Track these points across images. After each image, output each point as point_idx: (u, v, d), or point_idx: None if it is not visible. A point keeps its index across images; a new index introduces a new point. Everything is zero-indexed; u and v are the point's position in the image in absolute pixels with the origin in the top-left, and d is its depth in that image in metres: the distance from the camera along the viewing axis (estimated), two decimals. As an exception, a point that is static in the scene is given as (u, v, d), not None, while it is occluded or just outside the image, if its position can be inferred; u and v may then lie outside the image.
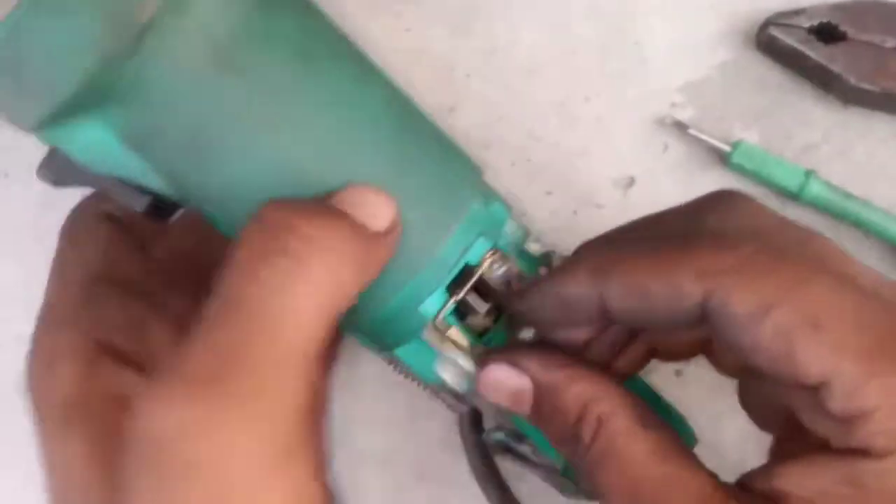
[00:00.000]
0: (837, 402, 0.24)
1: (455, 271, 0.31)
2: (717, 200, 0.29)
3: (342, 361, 0.39)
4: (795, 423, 0.27)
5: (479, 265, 0.32)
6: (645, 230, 0.30)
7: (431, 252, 0.31)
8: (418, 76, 0.43)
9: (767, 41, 0.42)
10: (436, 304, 0.31)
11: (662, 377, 0.40)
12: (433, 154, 0.32)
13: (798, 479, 0.25)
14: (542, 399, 0.29)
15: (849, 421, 0.24)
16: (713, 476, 0.27)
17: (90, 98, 0.28)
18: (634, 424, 0.27)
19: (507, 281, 0.32)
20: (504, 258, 0.32)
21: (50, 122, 0.28)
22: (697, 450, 0.39)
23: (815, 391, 0.24)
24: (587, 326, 0.30)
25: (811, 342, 0.24)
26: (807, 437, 0.26)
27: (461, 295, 0.31)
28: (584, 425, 0.28)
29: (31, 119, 0.28)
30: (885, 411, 0.24)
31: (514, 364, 0.30)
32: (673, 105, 0.43)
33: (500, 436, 0.36)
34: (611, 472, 0.27)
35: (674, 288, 0.26)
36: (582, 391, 0.28)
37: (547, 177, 0.43)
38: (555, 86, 0.43)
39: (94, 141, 0.29)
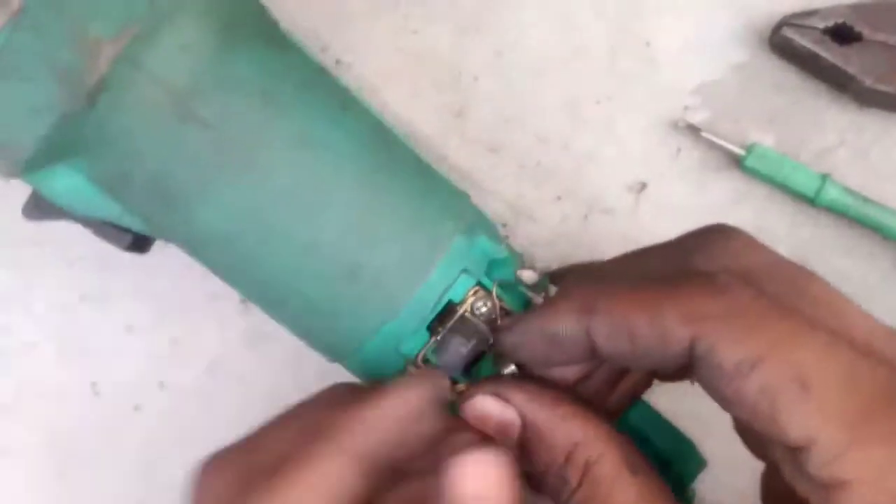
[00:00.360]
0: (817, 468, 0.23)
1: (436, 310, 0.31)
2: (708, 236, 0.28)
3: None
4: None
5: (461, 303, 0.31)
6: (633, 265, 0.30)
7: (410, 292, 0.30)
8: (425, 78, 0.42)
9: (781, 42, 0.41)
10: (417, 343, 0.31)
11: (673, 387, 0.39)
12: (412, 189, 0.31)
13: None
14: (530, 434, 0.28)
15: (828, 487, 0.23)
16: None
17: (53, 152, 0.28)
18: (622, 470, 0.26)
19: (490, 318, 0.31)
20: (487, 295, 0.31)
21: (21, 173, 0.29)
22: (711, 464, 0.38)
23: (797, 451, 0.24)
24: (577, 364, 0.29)
25: (796, 403, 0.23)
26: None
27: (442, 334, 0.31)
28: (572, 468, 0.27)
29: (3, 172, 0.29)
30: (865, 484, 0.23)
31: (501, 396, 0.28)
32: (686, 108, 0.42)
33: None
34: None
35: (660, 330, 0.25)
36: (571, 432, 0.27)
37: (556, 181, 0.42)
38: (564, 87, 0.42)
39: (71, 186, 0.30)
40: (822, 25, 0.40)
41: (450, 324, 0.31)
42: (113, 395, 0.42)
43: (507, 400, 0.28)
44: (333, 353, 0.32)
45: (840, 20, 0.40)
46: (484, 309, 0.31)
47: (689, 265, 0.27)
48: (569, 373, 0.29)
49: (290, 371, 0.42)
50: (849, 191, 0.40)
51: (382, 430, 0.26)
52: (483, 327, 0.31)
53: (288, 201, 0.29)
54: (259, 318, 0.42)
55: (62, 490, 0.41)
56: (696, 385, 0.40)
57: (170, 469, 0.42)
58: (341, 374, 0.40)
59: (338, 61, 0.42)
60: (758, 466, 0.32)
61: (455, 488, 0.25)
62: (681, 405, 0.40)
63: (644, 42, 0.42)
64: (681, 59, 0.42)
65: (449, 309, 0.31)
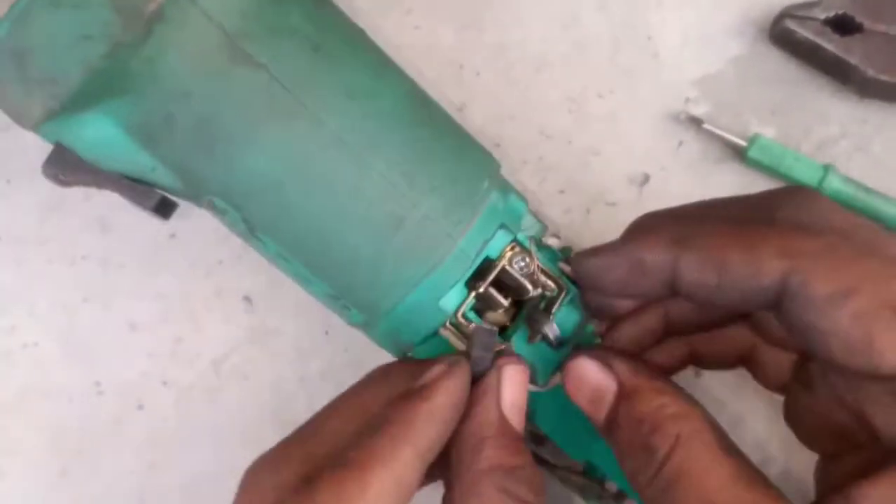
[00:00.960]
0: None
1: (475, 265, 0.31)
2: (791, 194, 0.29)
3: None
4: (851, 437, 0.26)
5: (499, 258, 0.31)
6: (715, 210, 0.30)
7: (451, 244, 0.30)
8: (428, 73, 0.42)
9: (782, 34, 0.41)
10: (456, 298, 0.31)
11: (681, 378, 0.40)
12: (451, 146, 0.32)
13: (882, 499, 0.24)
14: (622, 404, 0.28)
15: None
16: None
17: (98, 89, 0.27)
18: (716, 449, 0.26)
19: (528, 274, 0.31)
20: (524, 251, 0.31)
21: (56, 116, 0.28)
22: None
23: (892, 382, 0.24)
24: (646, 296, 0.30)
25: (892, 329, 0.24)
26: (869, 451, 0.25)
27: (482, 289, 0.31)
28: (661, 439, 0.26)
29: (38, 113, 0.28)
30: None
31: (604, 363, 0.29)
32: (687, 100, 0.42)
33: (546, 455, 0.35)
34: (688, 494, 0.25)
35: (754, 262, 0.26)
36: (665, 404, 0.27)
37: (559, 175, 0.42)
38: (566, 82, 0.42)
39: (102, 136, 0.29)
40: (822, 16, 0.40)
41: (490, 277, 0.31)
42: (116, 394, 0.42)
43: (608, 366, 0.29)
44: (371, 310, 0.31)
45: (841, 11, 0.40)
46: (522, 264, 0.31)
47: (777, 215, 0.28)
48: (625, 306, 0.31)
49: (294, 368, 0.42)
50: (851, 181, 0.40)
51: (440, 423, 0.27)
52: (523, 281, 0.31)
53: (335, 149, 0.29)
54: (263, 315, 0.42)
55: (66, 489, 0.41)
56: (700, 378, 0.40)
57: (174, 468, 0.42)
58: (348, 371, 0.40)
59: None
60: (759, 462, 0.33)
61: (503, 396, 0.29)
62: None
63: (646, 36, 0.42)
64: (682, 53, 0.42)
65: (487, 265, 0.31)
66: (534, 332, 0.32)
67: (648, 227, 0.30)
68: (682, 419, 0.27)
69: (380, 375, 0.30)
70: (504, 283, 0.31)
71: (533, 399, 0.31)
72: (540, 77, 0.42)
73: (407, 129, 0.30)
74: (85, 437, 0.41)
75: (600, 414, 0.29)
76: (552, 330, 0.31)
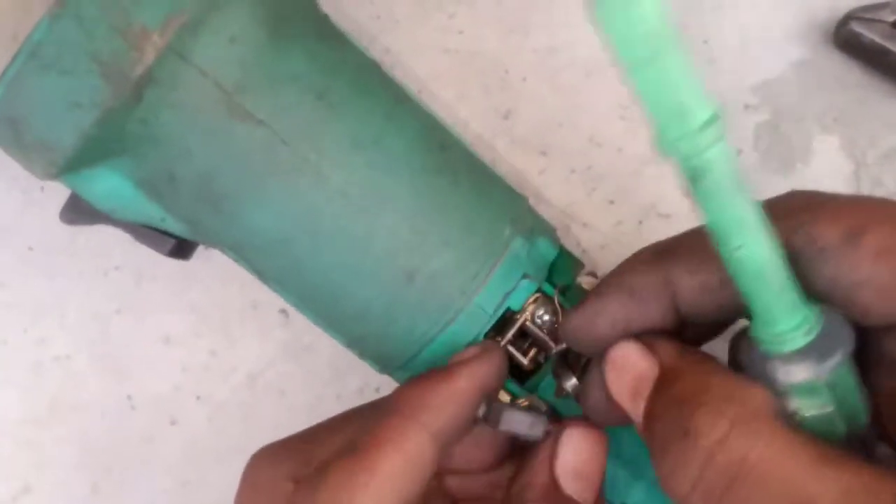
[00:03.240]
0: None
1: (495, 318, 0.29)
2: (777, 199, 0.25)
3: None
4: None
5: (521, 311, 0.29)
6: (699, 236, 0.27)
7: (468, 298, 0.29)
8: (472, 80, 0.41)
9: (848, 37, 0.39)
10: None
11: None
12: (470, 190, 0.30)
13: None
14: (662, 388, 0.24)
15: None
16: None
17: (95, 152, 0.27)
18: (785, 427, 0.21)
19: (552, 328, 0.30)
20: (549, 302, 0.30)
21: (60, 174, 0.27)
22: None
23: None
24: (652, 329, 0.26)
25: None
26: None
27: (502, 343, 0.29)
28: (708, 422, 0.21)
29: (41, 173, 0.27)
30: None
31: (648, 345, 0.25)
32: (746, 107, 0.40)
33: None
34: (762, 489, 0.20)
35: None
36: (714, 385, 0.22)
37: (609, 185, 0.40)
38: (617, 88, 0.40)
39: (111, 188, 0.28)
40: (891, 19, 0.38)
41: (510, 333, 0.29)
42: (149, 408, 0.41)
43: (652, 349, 0.25)
44: (386, 363, 0.31)
45: (912, 13, 0.38)
46: (546, 317, 0.29)
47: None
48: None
49: (331, 384, 0.41)
50: None
51: (457, 406, 0.26)
52: (544, 336, 0.29)
53: (340, 204, 0.28)
54: (300, 329, 0.41)
55: (97, 507, 0.41)
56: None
57: (207, 485, 0.41)
58: (384, 389, 0.39)
59: (381, 63, 0.40)
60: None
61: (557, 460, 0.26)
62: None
63: (702, 40, 0.40)
64: (740, 57, 0.40)
65: (508, 317, 0.29)
66: (558, 387, 0.30)
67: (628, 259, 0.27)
68: (736, 400, 0.22)
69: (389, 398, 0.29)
70: (528, 335, 0.30)
71: None
72: (590, 82, 0.41)
73: (419, 176, 0.29)
74: (116, 453, 0.41)
75: (640, 407, 0.24)
76: (575, 389, 0.29)
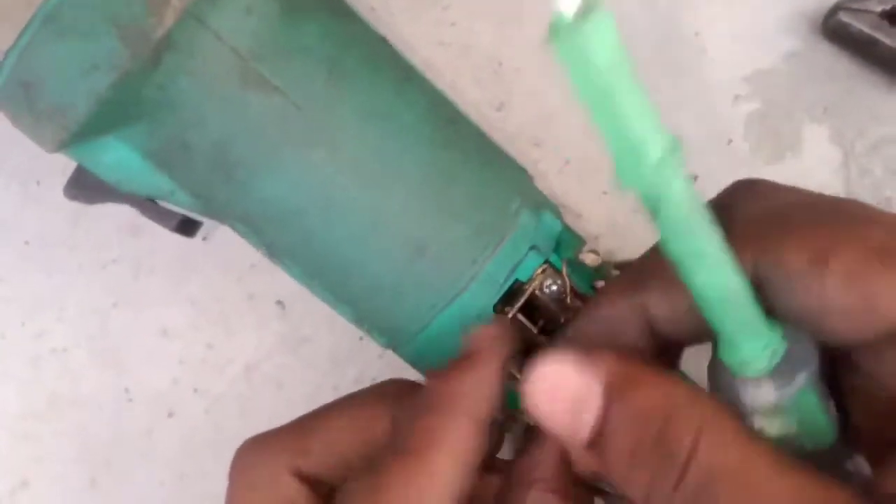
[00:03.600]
0: None
1: (504, 289, 0.29)
2: (737, 191, 0.26)
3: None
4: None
5: (530, 282, 0.30)
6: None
7: (478, 269, 0.29)
8: (465, 72, 0.41)
9: (836, 27, 0.39)
10: (484, 324, 0.29)
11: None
12: (478, 163, 0.30)
13: None
14: (615, 403, 0.22)
15: None
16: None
17: (109, 119, 0.27)
18: (746, 434, 0.21)
19: (560, 298, 0.30)
20: (556, 273, 0.30)
21: (71, 142, 0.27)
22: None
23: None
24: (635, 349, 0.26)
25: (890, 276, 0.20)
26: None
27: (511, 314, 0.29)
28: (679, 433, 0.21)
29: (51, 141, 0.27)
30: None
31: (581, 359, 0.23)
32: (736, 97, 0.40)
33: None
34: (731, 496, 0.20)
35: None
36: (672, 392, 0.22)
37: (603, 176, 0.40)
38: (610, 79, 0.41)
39: (120, 160, 0.28)
40: (879, 9, 0.39)
41: (518, 303, 0.29)
42: (147, 401, 0.41)
43: (588, 363, 0.23)
44: (395, 336, 0.31)
45: (899, 3, 0.39)
46: (554, 287, 0.30)
47: (729, 218, 0.23)
48: None
49: (329, 376, 0.41)
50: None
51: (490, 390, 0.26)
52: (553, 306, 0.30)
53: (354, 173, 0.28)
54: (297, 321, 0.41)
55: (95, 499, 0.40)
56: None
57: (205, 478, 0.41)
58: (382, 379, 0.39)
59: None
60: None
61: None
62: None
63: (693, 32, 0.41)
64: (731, 49, 0.41)
65: (516, 288, 0.30)
66: None
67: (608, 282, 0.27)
68: (698, 406, 0.21)
69: (382, 385, 0.29)
70: (536, 306, 0.30)
71: None
72: (582, 74, 0.41)
73: (429, 149, 0.29)
74: (114, 446, 0.41)
75: (584, 431, 0.23)
76: None
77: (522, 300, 0.29)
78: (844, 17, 0.39)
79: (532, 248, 0.30)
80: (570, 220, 0.40)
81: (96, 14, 0.25)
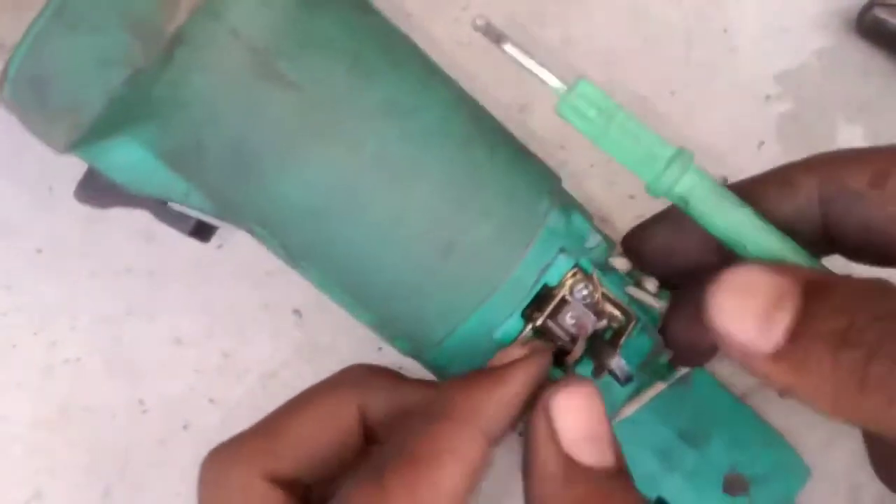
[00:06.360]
0: None
1: (533, 293, 0.28)
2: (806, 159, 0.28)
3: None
4: None
5: (559, 286, 0.28)
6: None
7: (506, 272, 0.28)
8: (486, 73, 0.40)
9: (871, 24, 0.38)
10: (511, 330, 0.28)
11: (768, 399, 0.37)
12: (504, 162, 0.29)
13: None
14: (817, 301, 0.22)
15: None
16: None
17: (122, 116, 0.26)
18: None
19: (592, 303, 0.29)
20: (587, 277, 0.29)
21: (82, 142, 0.26)
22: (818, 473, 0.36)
23: None
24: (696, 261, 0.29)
25: None
26: None
27: (540, 320, 0.28)
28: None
29: (62, 140, 0.26)
30: None
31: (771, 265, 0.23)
32: (768, 97, 0.39)
33: None
34: None
35: (785, 183, 0.26)
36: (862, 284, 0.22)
37: (630, 179, 0.38)
38: (636, 79, 0.39)
39: (132, 160, 0.27)
40: (917, 5, 0.37)
41: (549, 309, 0.28)
42: (161, 411, 0.40)
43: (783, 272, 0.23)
44: (419, 342, 0.29)
45: (938, -2, 0.37)
46: (585, 292, 0.28)
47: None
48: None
49: (347, 385, 0.40)
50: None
51: (510, 410, 0.25)
52: (584, 310, 0.28)
53: (376, 171, 0.27)
54: (313, 330, 0.40)
55: (109, 512, 0.40)
56: (788, 398, 0.38)
57: (221, 490, 0.40)
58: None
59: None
60: (850, 488, 0.30)
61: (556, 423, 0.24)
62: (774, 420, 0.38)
63: (721, 29, 0.40)
64: (761, 46, 0.40)
65: (545, 293, 0.28)
66: (598, 366, 0.29)
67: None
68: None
69: (345, 372, 0.29)
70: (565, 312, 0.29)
71: None
72: (608, 73, 0.40)
73: (454, 147, 0.28)
74: (128, 458, 0.40)
75: (776, 335, 0.22)
76: (619, 365, 0.28)
77: (552, 306, 0.28)
78: (881, 14, 0.38)
79: (561, 250, 0.28)
80: (596, 224, 0.39)
81: (107, 7, 0.24)
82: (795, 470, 0.36)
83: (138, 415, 0.40)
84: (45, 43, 0.24)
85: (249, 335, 0.40)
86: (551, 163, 0.39)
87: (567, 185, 0.39)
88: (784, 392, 0.23)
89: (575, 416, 0.25)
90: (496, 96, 0.40)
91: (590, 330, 0.28)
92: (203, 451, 0.40)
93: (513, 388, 0.25)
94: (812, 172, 0.26)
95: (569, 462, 0.24)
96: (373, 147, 0.27)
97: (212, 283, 0.40)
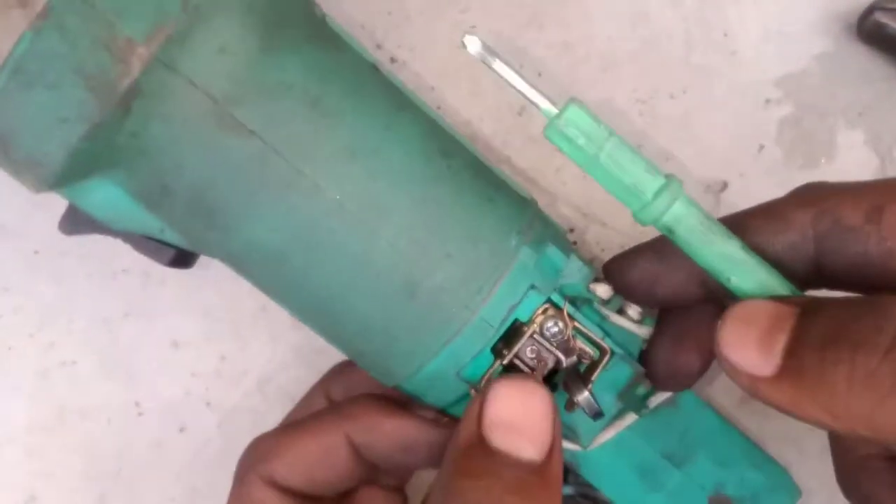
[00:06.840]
0: None
1: (501, 331, 0.28)
2: (799, 191, 0.28)
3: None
4: None
5: (529, 323, 0.28)
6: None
7: (472, 312, 0.28)
8: (485, 77, 0.39)
9: (872, 28, 0.38)
10: (480, 367, 0.28)
11: (768, 417, 0.36)
12: (474, 197, 0.29)
13: None
14: (810, 323, 0.23)
15: None
16: None
17: (87, 165, 0.26)
18: None
19: (563, 340, 0.29)
20: (559, 312, 0.29)
21: (53, 188, 0.27)
22: (808, 491, 0.36)
23: None
24: (678, 295, 0.29)
25: None
26: None
27: (507, 358, 0.28)
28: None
29: (32, 188, 0.27)
30: None
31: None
32: (768, 101, 0.39)
33: (568, 490, 0.35)
34: None
35: (778, 218, 0.26)
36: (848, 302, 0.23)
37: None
38: (636, 82, 0.39)
39: (108, 199, 0.28)
40: (918, 9, 0.37)
41: (517, 346, 0.28)
42: (157, 415, 0.40)
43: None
44: (389, 377, 0.30)
45: (940, 2, 0.37)
46: (555, 329, 0.28)
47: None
48: (693, 365, 0.30)
49: (344, 389, 0.39)
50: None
51: (389, 439, 0.30)
52: (554, 349, 0.28)
53: (338, 216, 0.27)
54: (311, 333, 0.40)
55: (105, 516, 0.40)
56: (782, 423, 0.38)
57: (217, 494, 0.40)
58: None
59: (393, 59, 0.39)
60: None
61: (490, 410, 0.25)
62: (769, 426, 0.37)
63: (722, 32, 0.39)
64: (762, 50, 0.39)
65: (516, 329, 0.28)
66: (570, 400, 0.29)
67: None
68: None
69: (349, 414, 0.31)
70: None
71: (575, 455, 0.31)
72: (607, 77, 0.39)
73: (419, 186, 0.28)
74: (124, 461, 0.40)
75: (776, 353, 0.23)
76: (587, 401, 0.28)
77: (520, 345, 0.28)
78: (881, 18, 0.38)
79: (532, 287, 0.28)
80: (594, 229, 0.39)
81: (63, 64, 0.24)
82: (785, 490, 0.35)
83: (134, 417, 0.40)
84: (4, 100, 0.24)
85: (247, 338, 0.40)
86: (548, 166, 0.39)
87: (567, 186, 0.39)
88: (789, 413, 0.24)
89: (504, 403, 0.26)
90: (493, 100, 0.40)
91: (550, 365, 0.29)
92: (199, 455, 0.40)
93: (399, 427, 0.30)
94: (805, 207, 0.26)
95: (481, 439, 0.25)
96: (333, 192, 0.27)
97: (209, 285, 0.40)
